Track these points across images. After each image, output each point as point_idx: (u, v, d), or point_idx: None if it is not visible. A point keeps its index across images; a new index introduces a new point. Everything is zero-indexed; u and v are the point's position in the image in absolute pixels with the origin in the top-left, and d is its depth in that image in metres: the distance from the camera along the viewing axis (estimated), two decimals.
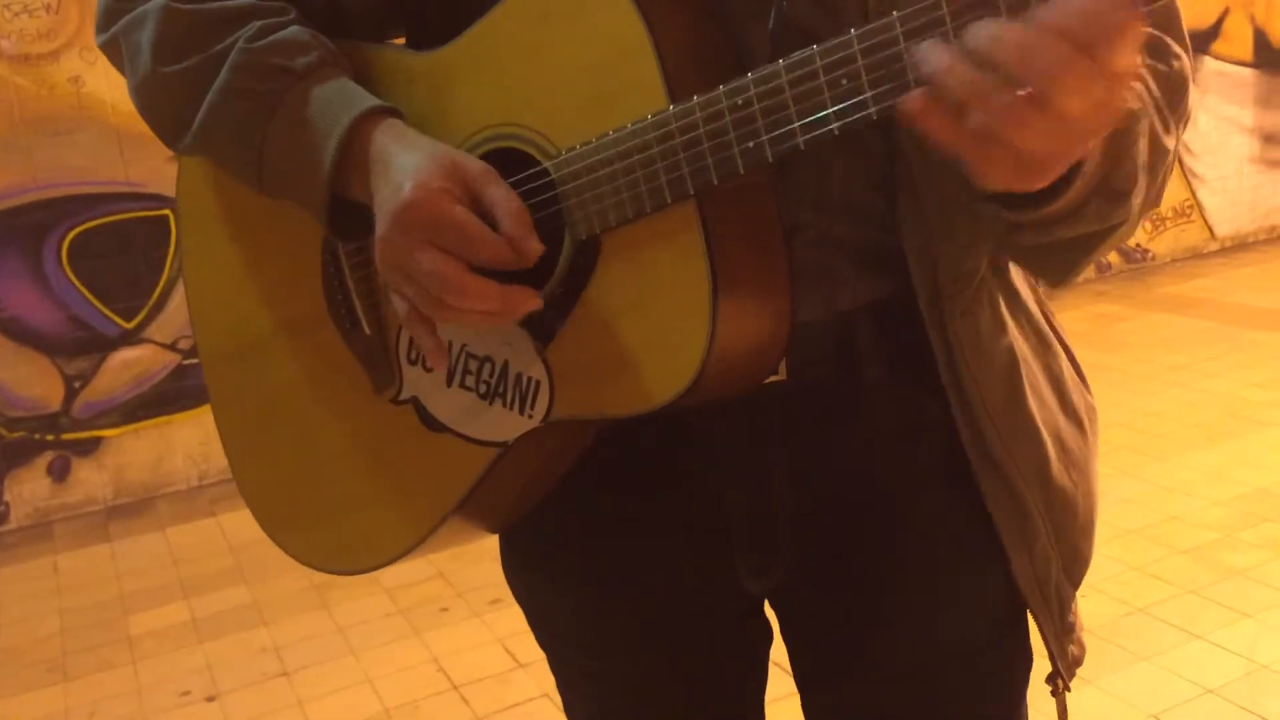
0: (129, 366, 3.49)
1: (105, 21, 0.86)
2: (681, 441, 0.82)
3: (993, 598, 0.81)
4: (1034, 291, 0.88)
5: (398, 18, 0.90)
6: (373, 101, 0.78)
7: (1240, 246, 5.02)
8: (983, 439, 0.77)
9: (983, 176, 0.57)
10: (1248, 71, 4.96)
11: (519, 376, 0.79)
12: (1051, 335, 0.85)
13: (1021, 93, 0.52)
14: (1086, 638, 0.86)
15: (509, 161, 0.78)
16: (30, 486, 3.38)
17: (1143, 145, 0.68)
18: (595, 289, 0.76)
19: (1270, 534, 2.62)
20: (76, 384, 3.44)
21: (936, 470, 0.80)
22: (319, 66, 0.80)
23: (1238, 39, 4.92)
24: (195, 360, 3.52)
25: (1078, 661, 0.84)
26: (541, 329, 0.77)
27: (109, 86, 3.27)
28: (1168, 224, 4.91)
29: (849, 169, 0.78)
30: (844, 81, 0.62)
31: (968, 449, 0.77)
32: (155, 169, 3.37)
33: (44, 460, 3.41)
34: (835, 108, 0.63)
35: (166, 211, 3.43)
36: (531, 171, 0.77)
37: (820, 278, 0.75)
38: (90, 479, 3.47)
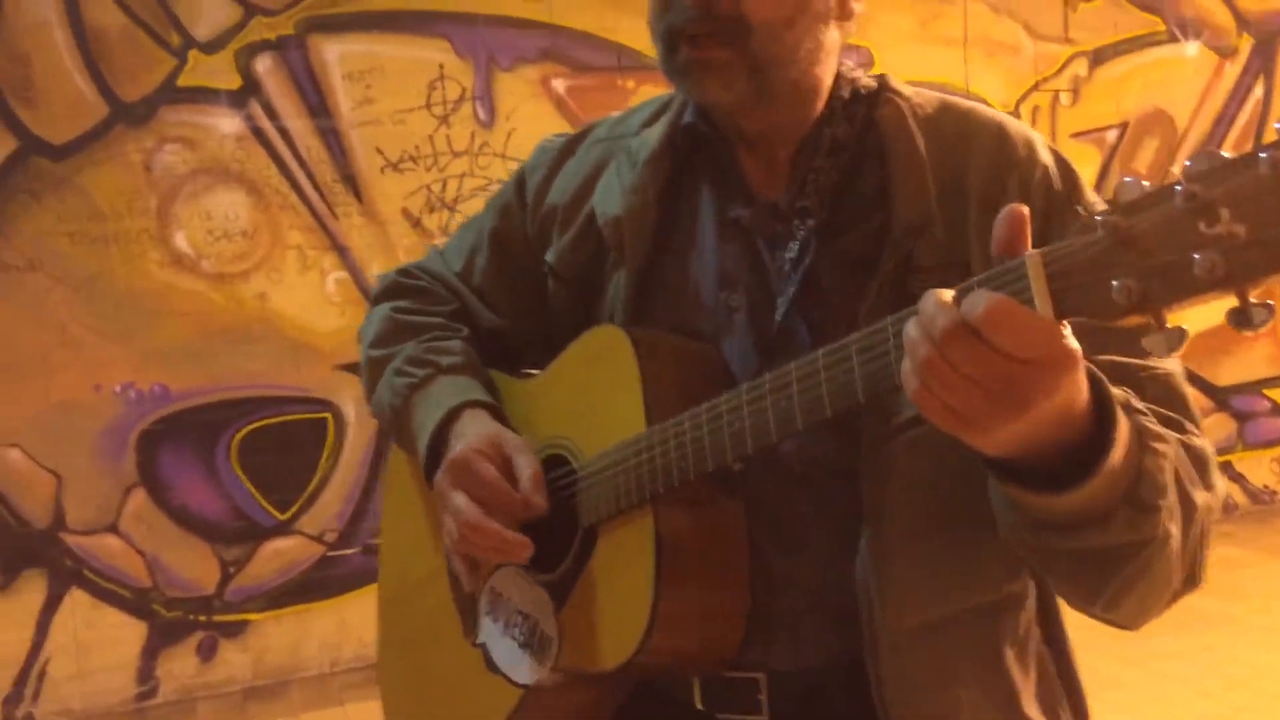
0: (279, 555, 3.78)
1: (370, 309, 1.27)
2: None
3: None
4: (1051, 669, 1.00)
5: (541, 346, 1.18)
6: (472, 396, 1.10)
7: None
8: None
9: (923, 414, 0.71)
10: None
11: (542, 632, 1.00)
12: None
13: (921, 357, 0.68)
14: None
15: (562, 461, 1.04)
16: (180, 664, 3.64)
17: (1168, 470, 0.79)
18: (592, 567, 0.98)
19: None
20: (231, 569, 3.73)
21: None
22: (454, 367, 1.13)
23: None
24: (338, 552, 3.79)
25: None
26: (558, 595, 1.00)
27: (290, 303, 3.67)
28: None
29: (827, 529, 0.97)
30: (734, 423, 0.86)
31: None
32: (322, 376, 3.73)
33: (194, 640, 3.68)
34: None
35: (327, 415, 3.77)
36: (565, 470, 1.03)
37: (791, 629, 0.93)
38: (233, 660, 3.72)
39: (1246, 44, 4.62)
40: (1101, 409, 0.74)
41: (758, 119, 1.01)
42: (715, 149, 1.07)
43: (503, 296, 1.21)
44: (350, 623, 3.79)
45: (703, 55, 0.95)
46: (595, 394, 1.02)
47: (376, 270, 3.73)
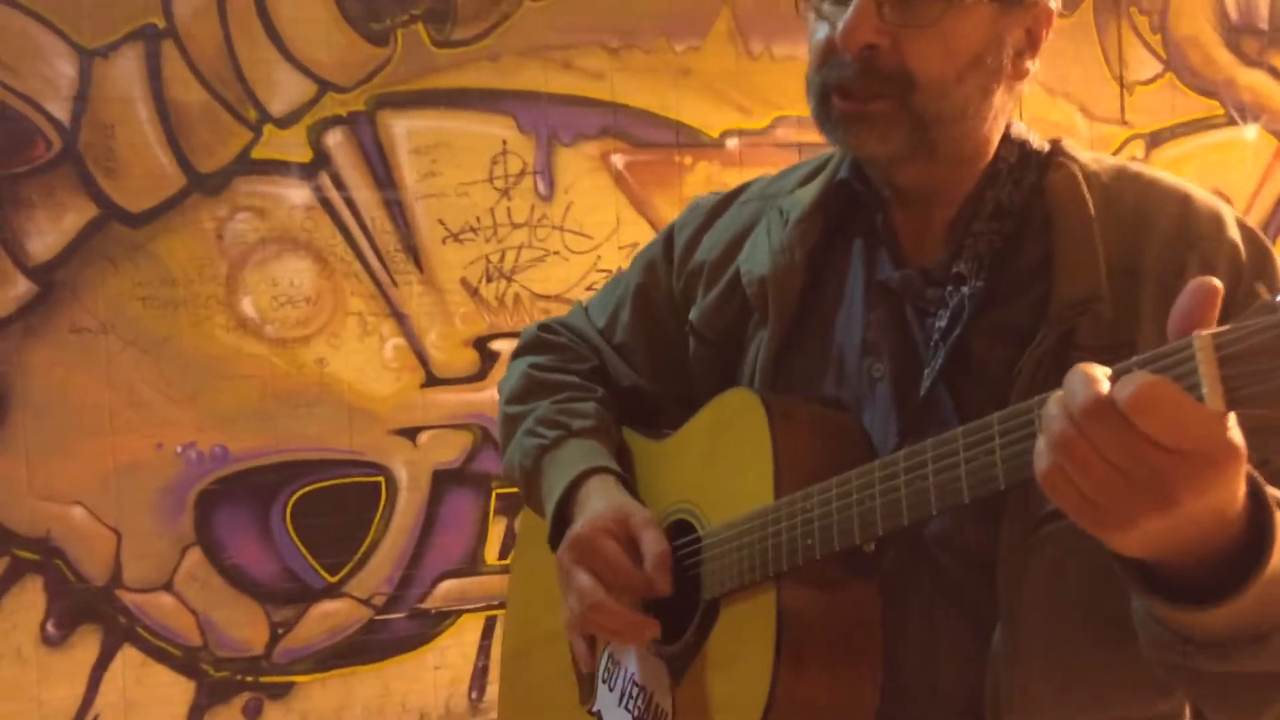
0: (327, 618, 3.79)
1: (510, 362, 1.28)
2: None
3: None
4: None
5: (682, 404, 1.16)
6: (597, 463, 1.08)
7: None
8: None
9: (1052, 498, 0.64)
10: None
11: (658, 706, 0.98)
12: None
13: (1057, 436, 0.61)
14: None
15: (687, 527, 1.02)
16: None
17: None
18: (712, 642, 0.95)
19: None
20: (280, 630, 3.76)
21: None
22: (584, 431, 1.12)
23: None
24: (385, 616, 3.80)
25: None
26: (677, 670, 0.97)
27: (348, 368, 3.74)
28: None
29: (963, 625, 0.90)
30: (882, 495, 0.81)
31: None
32: (375, 440, 3.77)
33: (241, 700, 3.69)
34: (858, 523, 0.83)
35: (380, 479, 3.81)
36: (690, 538, 1.00)
37: None
38: None
39: None
40: (1259, 515, 0.67)
41: (915, 175, 0.97)
42: (869, 208, 1.02)
43: (643, 354, 1.19)
44: (393, 688, 3.79)
45: (858, 107, 0.91)
46: (724, 460, 0.98)
47: (433, 337, 3.80)
